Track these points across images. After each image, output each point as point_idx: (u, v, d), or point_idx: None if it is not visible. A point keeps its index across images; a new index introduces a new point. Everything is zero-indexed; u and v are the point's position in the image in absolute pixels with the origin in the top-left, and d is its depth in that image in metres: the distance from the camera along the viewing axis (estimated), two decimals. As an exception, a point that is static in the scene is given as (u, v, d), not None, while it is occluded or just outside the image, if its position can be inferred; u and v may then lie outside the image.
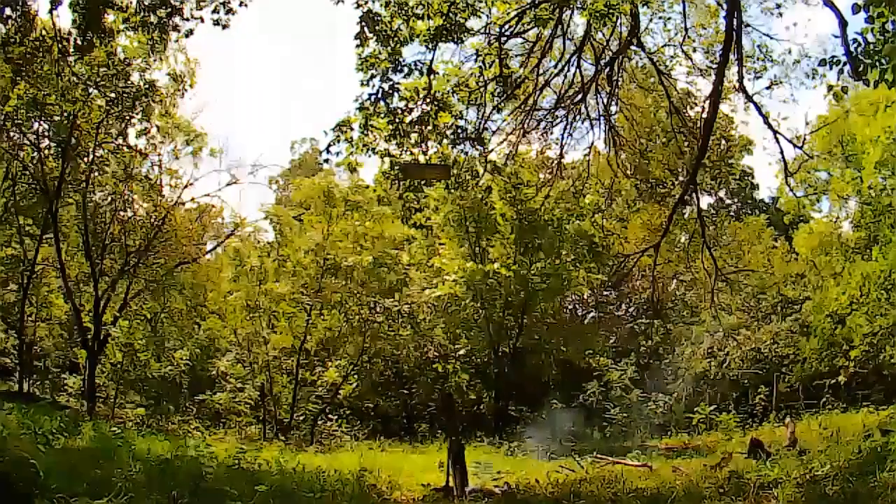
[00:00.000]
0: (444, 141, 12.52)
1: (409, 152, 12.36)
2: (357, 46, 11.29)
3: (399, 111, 11.80)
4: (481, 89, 12.89)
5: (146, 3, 11.11)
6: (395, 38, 11.28)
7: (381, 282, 25.46)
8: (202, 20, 11.16)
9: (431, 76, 11.85)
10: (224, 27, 11.11)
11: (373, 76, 11.42)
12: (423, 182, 13.24)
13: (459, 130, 12.60)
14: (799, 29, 18.03)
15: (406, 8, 11.27)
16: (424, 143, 12.33)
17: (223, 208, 26.60)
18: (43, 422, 11.16)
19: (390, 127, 11.75)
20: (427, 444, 20.65)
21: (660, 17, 16.70)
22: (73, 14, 10.95)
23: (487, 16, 12.58)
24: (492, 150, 14.39)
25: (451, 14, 11.33)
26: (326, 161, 12.26)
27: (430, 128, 12.15)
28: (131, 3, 11.29)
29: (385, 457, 16.98)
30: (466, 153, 13.13)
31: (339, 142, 11.80)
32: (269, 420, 23.93)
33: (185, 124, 23.04)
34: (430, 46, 11.58)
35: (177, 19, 11.28)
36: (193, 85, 21.78)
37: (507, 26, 12.99)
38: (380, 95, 11.47)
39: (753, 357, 25.66)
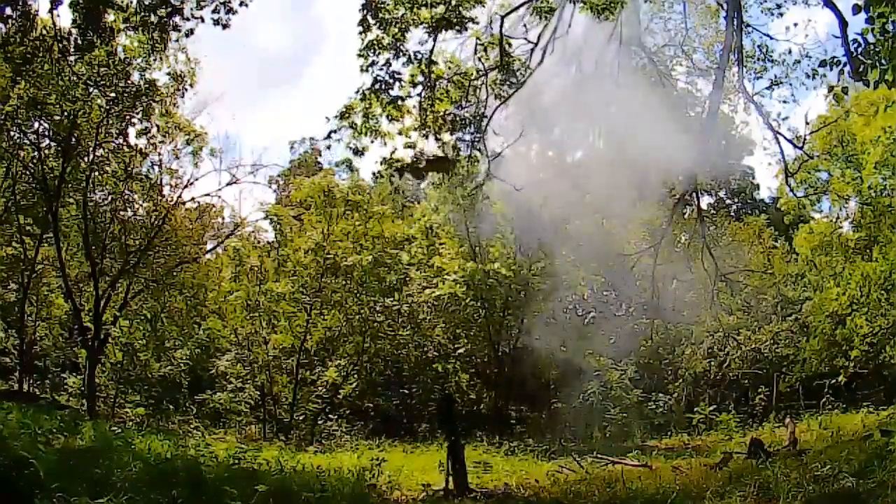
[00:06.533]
0: (444, 127, 12.62)
1: (407, 137, 12.48)
2: (360, 33, 11.36)
3: (399, 100, 11.91)
4: (482, 77, 12.92)
5: (146, 3, 11.11)
6: (398, 25, 11.35)
7: (381, 282, 25.45)
8: (202, 20, 11.16)
9: (431, 65, 11.93)
10: (224, 27, 11.12)
11: (373, 63, 11.50)
12: (425, 177, 13.41)
13: (458, 118, 12.68)
14: (799, 29, 17.99)
15: None
16: (424, 128, 12.42)
17: (223, 208, 26.57)
18: (43, 421, 11.18)
19: (392, 109, 11.87)
20: (427, 444, 20.63)
21: (660, 17, 16.75)
22: (73, 14, 10.96)
23: (489, 10, 12.65)
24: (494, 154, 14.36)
25: (453, 2, 11.40)
26: (329, 147, 12.53)
27: (429, 115, 12.23)
28: (131, 2, 11.30)
29: (385, 456, 16.95)
30: (465, 140, 13.17)
31: (340, 129, 11.95)
32: (269, 420, 23.94)
33: (186, 124, 23.02)
34: (431, 34, 11.65)
35: (177, 19, 11.29)
36: (194, 84, 21.79)
37: (506, 27, 13.01)
38: (381, 87, 11.55)
39: (753, 357, 25.63)
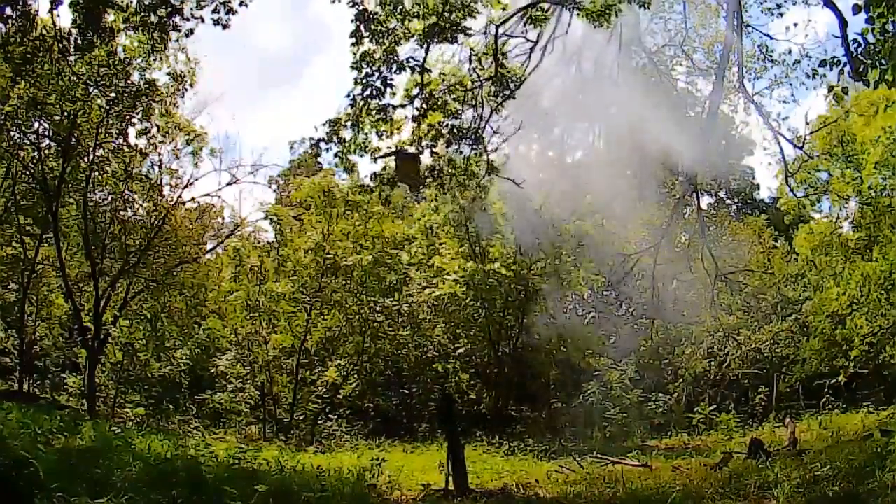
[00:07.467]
0: (440, 140, 12.55)
1: (402, 150, 12.44)
2: (352, 45, 11.32)
3: (390, 108, 11.85)
4: (477, 88, 12.86)
5: (146, 3, 11.10)
6: (391, 37, 11.30)
7: (381, 282, 25.45)
8: (202, 20, 11.15)
9: (424, 74, 11.87)
10: (224, 27, 11.10)
11: (367, 75, 11.45)
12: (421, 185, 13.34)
13: (455, 129, 12.60)
14: (799, 29, 18.00)
15: (401, 6, 11.30)
16: (417, 142, 12.38)
17: (223, 208, 26.57)
18: (43, 421, 11.19)
19: (381, 123, 11.81)
20: (427, 444, 20.64)
21: (660, 18, 16.74)
22: (73, 14, 10.95)
23: (486, 16, 12.56)
24: (493, 150, 14.32)
25: (445, 13, 11.33)
26: (317, 156, 12.51)
27: (423, 126, 12.18)
28: (131, 2, 11.29)
29: (385, 456, 16.95)
30: (462, 153, 13.10)
31: (330, 140, 11.89)
32: (269, 420, 23.93)
33: (186, 124, 23.02)
34: (423, 44, 11.59)
35: (177, 19, 11.27)
36: (194, 84, 21.78)
37: (505, 26, 12.96)
38: (372, 93, 11.50)
39: (753, 357, 25.63)
